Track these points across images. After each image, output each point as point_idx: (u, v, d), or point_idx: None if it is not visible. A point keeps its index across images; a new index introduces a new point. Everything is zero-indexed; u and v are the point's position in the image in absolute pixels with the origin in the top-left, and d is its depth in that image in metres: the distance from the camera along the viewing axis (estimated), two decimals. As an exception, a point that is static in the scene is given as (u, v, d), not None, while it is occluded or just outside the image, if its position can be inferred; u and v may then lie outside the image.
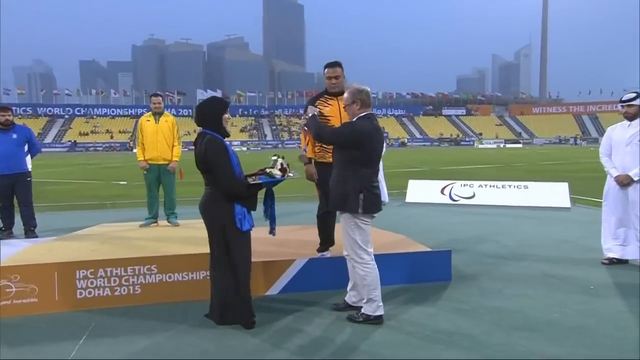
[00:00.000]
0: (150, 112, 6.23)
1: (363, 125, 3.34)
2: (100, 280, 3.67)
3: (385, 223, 6.38)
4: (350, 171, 3.34)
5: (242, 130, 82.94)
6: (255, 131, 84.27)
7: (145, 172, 6.11)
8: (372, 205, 3.34)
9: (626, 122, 4.75)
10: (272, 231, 3.50)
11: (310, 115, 3.58)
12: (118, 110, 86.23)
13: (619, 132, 4.78)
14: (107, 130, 77.96)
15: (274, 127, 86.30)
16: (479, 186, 9.61)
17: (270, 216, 3.44)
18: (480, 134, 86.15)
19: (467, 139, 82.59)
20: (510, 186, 9.42)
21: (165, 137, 6.06)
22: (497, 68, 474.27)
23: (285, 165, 3.33)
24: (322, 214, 4.47)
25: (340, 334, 3.23)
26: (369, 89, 3.46)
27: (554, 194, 8.99)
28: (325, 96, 4.46)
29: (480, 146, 69.64)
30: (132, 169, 25.20)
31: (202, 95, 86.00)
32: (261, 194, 3.43)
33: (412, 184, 10.06)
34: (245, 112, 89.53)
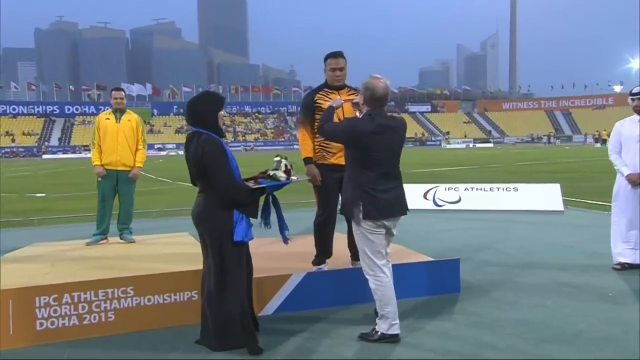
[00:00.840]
0: (110, 110, 6.06)
1: (362, 124, 3.43)
2: (65, 308, 3.54)
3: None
4: (353, 173, 3.46)
5: (177, 132, 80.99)
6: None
7: (100, 178, 5.92)
8: (375, 210, 3.42)
9: (636, 117, 5.12)
10: (285, 240, 3.50)
11: (333, 104, 3.73)
12: (21, 107, 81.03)
13: (628, 127, 5.14)
14: (7, 132, 73.28)
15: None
16: (465, 189, 9.99)
17: (279, 225, 3.46)
18: (448, 132, 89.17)
19: (433, 139, 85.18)
20: (498, 189, 9.86)
21: (127, 139, 5.92)
22: (463, 60, 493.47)
23: (289, 167, 3.37)
24: (319, 222, 4.52)
25: (357, 355, 3.29)
26: (379, 84, 3.50)
27: (546, 197, 9.51)
28: (326, 89, 4.53)
29: (448, 146, 72.19)
30: (47, 177, 24.06)
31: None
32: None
33: (391, 188, 10.28)
34: (182, 110, 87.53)
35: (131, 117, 6.05)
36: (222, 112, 3.34)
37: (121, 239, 5.95)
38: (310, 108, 4.49)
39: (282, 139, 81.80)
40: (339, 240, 4.85)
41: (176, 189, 16.10)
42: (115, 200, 6.07)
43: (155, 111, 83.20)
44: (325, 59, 4.49)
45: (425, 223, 8.43)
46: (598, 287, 4.67)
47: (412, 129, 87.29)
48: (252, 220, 3.32)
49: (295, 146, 76.42)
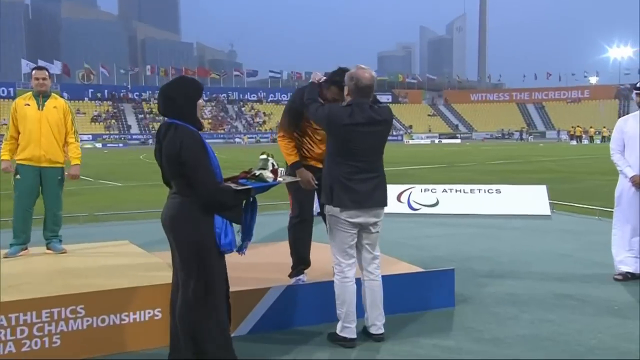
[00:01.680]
0: (30, 93, 5.78)
1: (339, 115, 3.76)
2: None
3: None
4: (330, 161, 3.85)
5: (94, 120, 78.50)
6: (114, 121, 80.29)
7: (18, 176, 5.63)
8: (347, 199, 3.72)
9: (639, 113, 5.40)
10: (242, 249, 3.43)
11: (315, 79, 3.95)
12: None
13: (632, 125, 5.42)
14: None
15: (141, 116, 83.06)
16: (443, 191, 10.25)
17: (247, 230, 3.42)
18: (410, 126, 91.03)
19: (394, 133, 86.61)
20: (480, 191, 10.17)
21: (52, 129, 5.65)
22: (426, 44, 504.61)
23: (276, 166, 3.37)
24: (294, 226, 4.56)
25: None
26: (364, 74, 3.79)
27: (531, 200, 9.89)
28: (321, 98, 4.48)
29: (411, 142, 73.79)
30: None
31: (29, 67, 79.54)
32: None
33: (360, 188, 10.40)
34: (99, 95, 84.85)
35: (57, 103, 5.78)
36: (201, 101, 3.30)
37: (49, 249, 5.73)
38: (297, 115, 4.47)
39: (222, 131, 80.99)
40: (317, 249, 4.87)
41: (100, 189, 15.67)
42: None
43: (65, 95, 79.92)
44: (330, 83, 4.24)
45: (402, 229, 8.57)
46: (602, 299, 4.91)
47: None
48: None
49: (237, 139, 75.90)
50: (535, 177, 17.36)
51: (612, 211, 5.67)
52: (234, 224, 3.26)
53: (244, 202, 3.39)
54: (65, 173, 5.85)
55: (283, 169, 3.79)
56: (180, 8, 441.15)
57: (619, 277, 5.45)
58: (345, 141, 3.71)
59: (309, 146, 4.53)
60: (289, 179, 3.66)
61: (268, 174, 3.31)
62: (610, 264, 5.76)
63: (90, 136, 71.42)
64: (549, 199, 9.88)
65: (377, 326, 3.91)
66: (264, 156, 3.37)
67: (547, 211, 9.66)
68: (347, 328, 3.81)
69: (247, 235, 3.46)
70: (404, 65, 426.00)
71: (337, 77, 4.16)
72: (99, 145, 66.48)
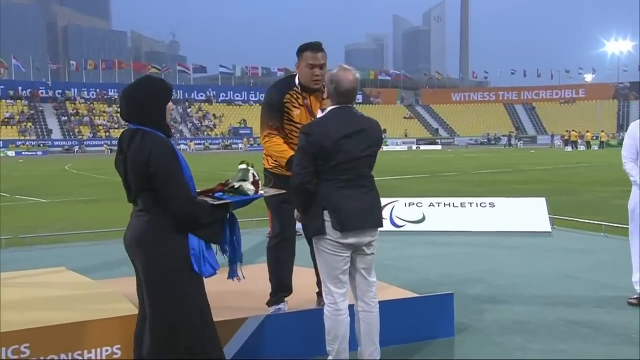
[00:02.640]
0: None
1: (320, 132, 3.75)
2: None
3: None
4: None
5: (5, 123, 76.59)
6: (30, 124, 78.55)
7: None
8: (337, 222, 3.75)
9: (654, 116, 5.64)
10: (232, 275, 3.52)
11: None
12: None
13: (646, 129, 5.67)
14: None
15: (64, 119, 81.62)
16: (430, 205, 10.43)
17: (232, 252, 3.47)
18: (384, 130, 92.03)
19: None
20: (471, 204, 10.39)
21: None
22: (400, 35, 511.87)
23: (257, 177, 3.41)
24: (273, 246, 4.61)
25: None
26: (346, 76, 3.87)
27: (529, 214, 10.15)
28: (296, 89, 4.60)
29: (385, 148, 74.45)
30: None
31: None
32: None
33: (334, 203, 10.49)
34: (11, 93, 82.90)
35: None
36: (170, 105, 3.34)
37: None
38: (278, 108, 4.57)
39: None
40: (297, 272, 4.92)
41: (19, 207, 15.41)
42: None
43: (-32, 92, 78.22)
44: (300, 52, 4.54)
45: (386, 248, 8.64)
46: (618, 326, 5.09)
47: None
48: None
49: (183, 146, 75.21)
50: (528, 188, 17.80)
51: (620, 227, 5.88)
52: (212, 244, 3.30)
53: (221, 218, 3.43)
54: None
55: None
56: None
57: (634, 300, 5.65)
58: (329, 159, 3.73)
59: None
60: (272, 191, 3.71)
61: (249, 186, 3.35)
62: (622, 286, 5.98)
63: (0, 142, 69.70)
64: (549, 214, 10.17)
65: None
66: (244, 166, 3.42)
67: (547, 227, 9.92)
68: None
69: (235, 256, 3.51)
70: (376, 60, 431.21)
71: (304, 44, 4.52)
72: (11, 153, 65.01)
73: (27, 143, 72.98)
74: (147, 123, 3.22)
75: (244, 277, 3.63)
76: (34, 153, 67.39)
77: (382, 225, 4.03)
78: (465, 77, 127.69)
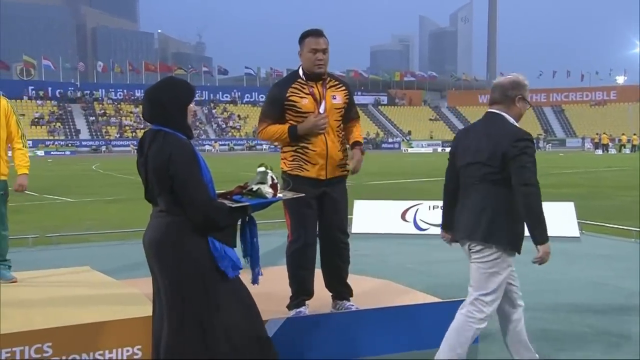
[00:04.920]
0: None
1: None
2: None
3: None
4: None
5: (35, 124, 77.86)
6: (59, 124, 79.81)
7: None
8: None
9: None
10: (255, 278, 3.52)
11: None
12: None
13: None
14: None
15: (92, 119, 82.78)
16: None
17: (251, 255, 3.47)
18: (409, 132, 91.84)
19: (390, 140, 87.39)
20: (497, 208, 10.27)
21: None
22: (427, 37, 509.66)
23: (276, 181, 3.41)
24: (293, 252, 4.59)
25: None
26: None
27: (557, 219, 9.99)
28: (300, 81, 4.61)
29: (410, 150, 74.45)
30: None
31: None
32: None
33: (359, 206, 10.49)
34: (41, 93, 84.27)
35: None
36: (192, 106, 3.34)
37: None
38: (279, 104, 4.58)
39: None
40: (317, 275, 4.91)
41: (47, 206, 15.62)
42: None
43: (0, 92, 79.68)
44: (302, 39, 4.60)
45: (409, 252, 8.65)
46: (649, 335, 5.00)
47: (363, 127, 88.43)
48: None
49: (207, 146, 75.81)
50: (556, 192, 17.56)
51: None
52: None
53: (239, 221, 3.43)
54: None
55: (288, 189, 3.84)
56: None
57: (665, 309, 5.56)
58: None
59: (305, 148, 4.56)
60: (290, 194, 3.69)
61: (267, 189, 3.34)
62: (652, 293, 5.88)
63: (30, 142, 70.44)
64: (577, 218, 10.03)
65: None
66: (262, 168, 3.41)
67: (575, 232, 9.79)
68: None
69: (255, 261, 3.51)
70: (401, 61, 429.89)
71: (305, 31, 4.59)
72: (40, 152, 65.95)
73: (56, 143, 74.08)
74: (168, 124, 3.24)
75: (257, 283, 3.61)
76: (63, 153, 68.37)
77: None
78: (492, 79, 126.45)
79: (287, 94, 4.56)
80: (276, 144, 4.92)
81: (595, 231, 10.22)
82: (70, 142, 76.14)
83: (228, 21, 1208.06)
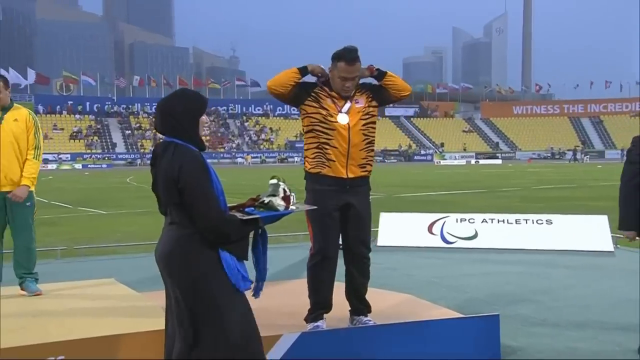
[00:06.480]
0: None
1: None
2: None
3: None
4: None
5: (73, 137, 79.60)
6: (96, 138, 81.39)
7: None
8: None
9: None
10: (257, 292, 3.48)
11: None
12: None
13: None
14: None
15: (128, 132, 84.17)
16: (483, 222, 10.20)
17: (260, 269, 3.45)
18: (442, 144, 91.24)
19: (422, 152, 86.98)
20: (527, 221, 10.11)
21: (14, 146, 5.71)
22: (460, 48, 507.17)
23: (288, 193, 3.38)
24: (313, 265, 4.54)
25: None
26: None
27: (590, 233, 9.80)
28: (328, 90, 4.59)
29: (443, 162, 74.03)
30: None
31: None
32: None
33: (385, 218, 10.41)
34: (80, 108, 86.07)
35: (19, 115, 5.83)
36: (204, 118, 3.34)
37: (22, 289, 5.78)
38: (305, 88, 4.60)
39: (222, 150, 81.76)
40: (337, 289, 4.86)
41: (80, 218, 15.83)
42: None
43: (40, 107, 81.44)
44: (335, 60, 4.52)
45: (435, 265, 8.55)
46: (681, 354, 4.83)
47: (395, 139, 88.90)
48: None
49: (240, 159, 76.28)
50: (593, 205, 17.20)
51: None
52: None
53: (252, 234, 3.41)
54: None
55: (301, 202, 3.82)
56: (175, 8, 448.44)
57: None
58: None
59: (326, 143, 4.54)
60: (304, 207, 3.66)
61: (279, 202, 3.32)
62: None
63: (68, 155, 72.37)
64: (611, 232, 9.80)
65: None
66: (274, 181, 3.38)
67: (609, 246, 9.56)
68: None
69: (261, 274, 3.48)
70: (434, 73, 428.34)
71: (340, 52, 4.49)
72: (78, 166, 67.34)
73: (93, 156, 75.53)
74: (180, 136, 3.24)
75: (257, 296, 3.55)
76: (99, 166, 69.58)
77: None
78: (527, 90, 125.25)
79: (316, 89, 4.60)
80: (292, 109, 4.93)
81: (631, 246, 9.94)
82: (107, 155, 77.51)
83: (261, 35, 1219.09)
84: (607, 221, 9.86)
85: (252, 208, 3.35)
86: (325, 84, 4.61)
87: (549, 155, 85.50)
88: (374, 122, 4.71)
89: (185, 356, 3.19)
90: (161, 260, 3.25)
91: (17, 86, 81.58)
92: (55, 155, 69.58)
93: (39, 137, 5.98)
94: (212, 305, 3.17)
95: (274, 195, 3.34)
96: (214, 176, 3.22)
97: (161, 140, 3.31)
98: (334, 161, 4.52)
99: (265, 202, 3.33)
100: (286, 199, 3.37)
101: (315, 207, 4.01)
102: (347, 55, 4.45)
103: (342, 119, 4.52)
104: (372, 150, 4.73)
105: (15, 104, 5.94)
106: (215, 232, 3.14)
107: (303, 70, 4.54)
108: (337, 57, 4.49)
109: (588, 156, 78.57)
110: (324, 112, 4.52)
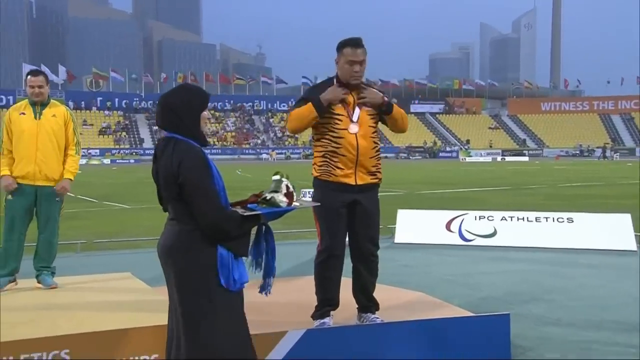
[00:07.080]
0: (25, 100, 5.96)
1: None
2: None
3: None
4: None
5: (102, 133, 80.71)
6: (125, 134, 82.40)
7: (10, 196, 5.80)
8: None
9: None
10: (265, 288, 3.47)
11: None
12: None
13: None
14: None
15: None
16: (502, 219, 10.09)
17: (266, 265, 3.43)
18: (468, 141, 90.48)
19: (448, 149, 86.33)
20: (547, 219, 9.97)
21: (52, 142, 5.83)
22: (488, 44, 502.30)
23: (292, 189, 3.35)
24: (320, 262, 4.54)
25: None
26: None
27: (612, 231, 9.63)
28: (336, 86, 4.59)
29: (469, 159, 73.26)
30: None
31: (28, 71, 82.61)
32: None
33: (402, 215, 10.35)
34: (109, 104, 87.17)
35: (57, 111, 5.96)
36: (205, 113, 3.32)
37: (39, 282, 5.85)
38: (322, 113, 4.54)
39: (247, 146, 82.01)
40: (344, 285, 4.84)
41: (104, 212, 15.99)
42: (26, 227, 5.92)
43: (70, 104, 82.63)
44: (340, 48, 4.58)
45: (451, 263, 8.49)
46: (698, 357, 4.72)
47: (420, 136, 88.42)
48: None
49: (264, 155, 76.59)
50: (619, 203, 16.91)
51: None
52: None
53: (255, 230, 3.39)
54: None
55: (306, 190, 3.80)
56: (202, 5, 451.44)
57: None
58: None
59: (333, 152, 4.51)
60: (307, 203, 3.63)
61: (281, 198, 3.28)
62: None
63: (97, 151, 73.42)
64: (635, 231, 9.63)
65: None
66: (277, 177, 3.35)
67: (632, 245, 9.38)
68: None
69: (268, 271, 3.47)
70: (461, 69, 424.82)
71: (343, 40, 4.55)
72: (107, 161, 68.13)
73: (121, 152, 76.47)
74: (181, 131, 3.23)
75: (270, 293, 3.54)
76: (127, 161, 70.27)
77: None
78: (556, 86, 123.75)
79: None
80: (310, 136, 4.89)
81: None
82: (135, 150, 78.33)
83: (288, 31, 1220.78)
84: (630, 220, 9.69)
85: (255, 204, 3.33)
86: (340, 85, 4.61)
87: (577, 152, 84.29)
88: (377, 128, 4.71)
89: (183, 356, 3.19)
90: (162, 254, 3.25)
91: (51, 83, 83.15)
92: (85, 151, 70.48)
93: (78, 133, 6.14)
94: (201, 298, 3.15)
95: (277, 192, 3.32)
96: (215, 172, 3.20)
97: (163, 136, 3.30)
98: (342, 169, 4.50)
99: (268, 198, 3.30)
100: (289, 195, 3.35)
101: (319, 203, 3.99)
102: (351, 41, 4.56)
103: (353, 128, 4.51)
104: (379, 158, 4.72)
105: (52, 100, 6.06)
106: (215, 229, 3.13)
107: (320, 108, 4.47)
108: (341, 45, 4.59)
109: (618, 154, 77.31)
110: (333, 120, 4.50)
